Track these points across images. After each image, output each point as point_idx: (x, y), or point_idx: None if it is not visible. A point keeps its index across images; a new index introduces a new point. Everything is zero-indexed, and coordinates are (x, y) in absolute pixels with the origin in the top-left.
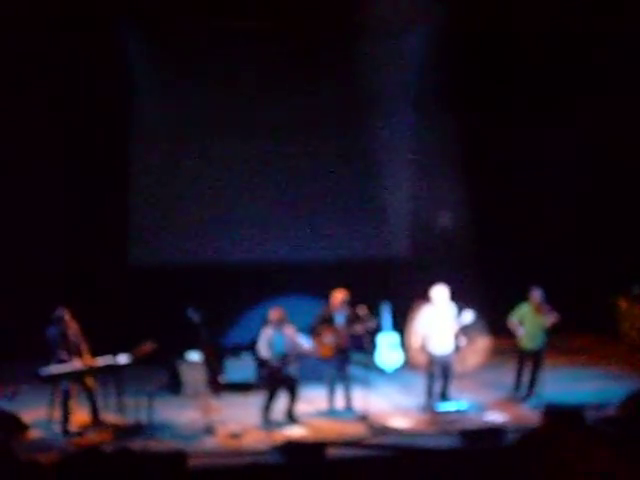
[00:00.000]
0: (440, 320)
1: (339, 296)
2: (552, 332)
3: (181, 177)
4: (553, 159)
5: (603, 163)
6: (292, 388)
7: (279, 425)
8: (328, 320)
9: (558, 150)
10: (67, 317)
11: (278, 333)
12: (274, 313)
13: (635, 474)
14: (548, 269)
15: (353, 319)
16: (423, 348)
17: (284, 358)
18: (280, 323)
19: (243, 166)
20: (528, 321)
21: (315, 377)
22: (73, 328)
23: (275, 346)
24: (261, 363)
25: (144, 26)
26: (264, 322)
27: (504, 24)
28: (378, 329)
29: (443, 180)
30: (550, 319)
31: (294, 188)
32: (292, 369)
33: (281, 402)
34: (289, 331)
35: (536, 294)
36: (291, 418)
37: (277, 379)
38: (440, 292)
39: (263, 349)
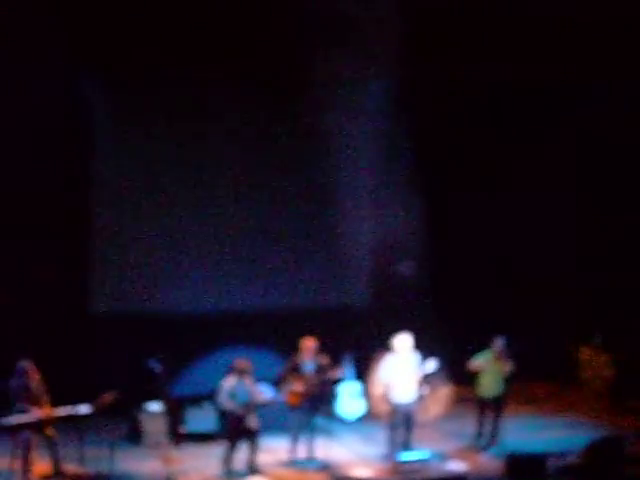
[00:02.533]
0: (403, 369)
1: (308, 344)
2: (513, 380)
3: (140, 229)
4: (517, 210)
5: (564, 215)
6: (253, 438)
7: (240, 475)
8: (296, 368)
9: (521, 203)
10: (30, 368)
11: (240, 383)
12: (240, 363)
13: None
14: (510, 318)
15: (320, 368)
16: (385, 397)
17: (247, 407)
18: (244, 373)
19: (201, 217)
20: (489, 369)
21: (277, 427)
22: (35, 379)
23: (238, 395)
24: (223, 413)
25: (106, 78)
26: (223, 372)
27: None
28: (340, 379)
29: (403, 228)
30: (508, 367)
31: (251, 238)
32: (253, 419)
33: (242, 452)
34: (249, 381)
35: (498, 342)
36: (252, 469)
37: (239, 429)
38: (403, 341)
39: (225, 399)
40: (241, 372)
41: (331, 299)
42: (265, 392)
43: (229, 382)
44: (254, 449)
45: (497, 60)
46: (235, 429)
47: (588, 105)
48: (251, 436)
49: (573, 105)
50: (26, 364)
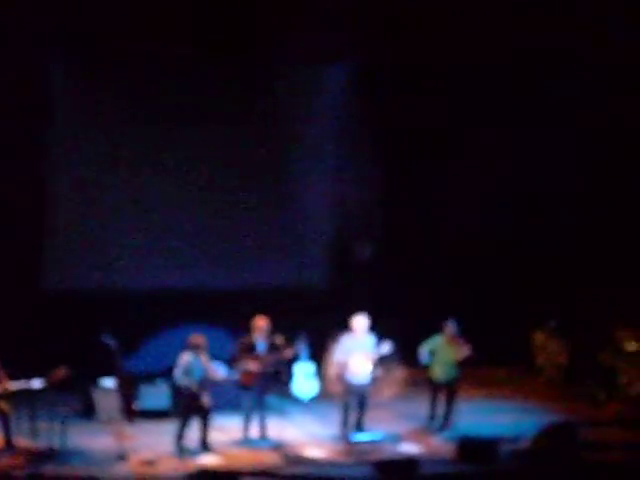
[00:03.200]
0: (358, 350)
1: (261, 323)
2: (468, 364)
3: (97, 203)
4: (477, 190)
5: (526, 191)
6: (205, 416)
7: (193, 453)
8: (249, 348)
9: (484, 180)
10: None
11: (196, 359)
12: (196, 339)
13: None
14: (466, 301)
15: (272, 347)
16: (340, 377)
17: (202, 384)
18: (199, 349)
19: (160, 193)
20: (440, 353)
21: (230, 405)
22: None
23: (194, 372)
24: (177, 390)
25: (70, 48)
26: (177, 349)
27: (426, 55)
28: (294, 359)
29: (362, 209)
30: (462, 352)
31: (211, 215)
32: (206, 397)
33: (194, 430)
34: (204, 358)
35: (450, 327)
36: (205, 446)
37: (192, 406)
38: (360, 322)
39: (180, 375)
40: (197, 348)
41: (288, 279)
42: (220, 370)
43: (185, 358)
44: (206, 427)
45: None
46: (188, 406)
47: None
48: (203, 414)
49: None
50: None
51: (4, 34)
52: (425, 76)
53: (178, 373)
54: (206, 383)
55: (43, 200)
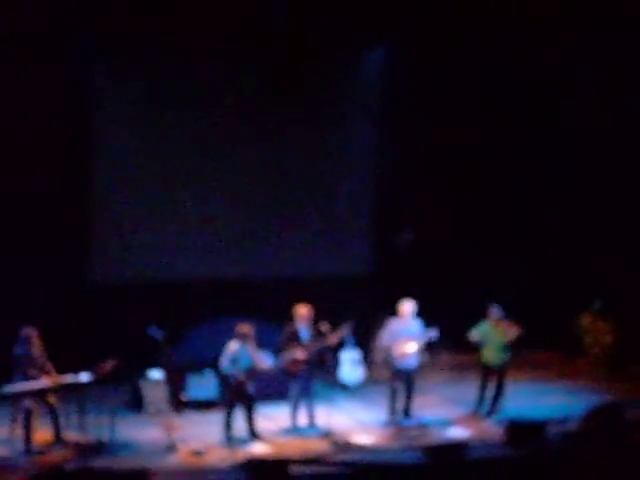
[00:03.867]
0: (404, 335)
1: (303, 311)
2: (515, 347)
3: (143, 198)
4: (520, 170)
5: (568, 173)
6: (250, 405)
7: (242, 442)
8: (294, 336)
9: (525, 161)
10: (33, 336)
11: (243, 348)
12: (243, 328)
13: None
14: (512, 285)
15: (317, 335)
16: (386, 363)
17: (248, 373)
18: (247, 338)
19: (204, 185)
20: (490, 338)
21: (277, 394)
22: (38, 347)
23: (241, 361)
24: (224, 378)
25: (108, 47)
26: (223, 340)
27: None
28: (340, 345)
29: (405, 195)
30: (512, 333)
31: (255, 207)
32: (251, 386)
33: (243, 419)
34: (252, 347)
35: (494, 311)
36: (253, 435)
37: (239, 394)
38: (406, 307)
39: (227, 364)
40: (244, 337)
41: (332, 266)
42: (266, 359)
43: (232, 347)
44: (252, 416)
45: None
46: (234, 394)
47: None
48: (248, 403)
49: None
50: (30, 331)
51: (40, 33)
52: (462, 56)
53: (225, 362)
54: (253, 372)
55: (90, 193)
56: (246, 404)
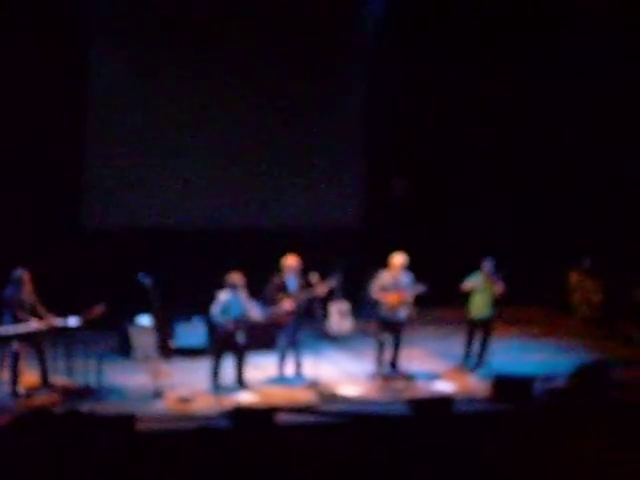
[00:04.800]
0: (394, 287)
1: (291, 262)
2: (502, 303)
3: (137, 141)
4: (515, 124)
5: (559, 130)
6: (240, 354)
7: (228, 391)
8: (281, 287)
9: (520, 116)
10: (25, 278)
11: (235, 297)
12: (234, 277)
13: None
14: (500, 241)
15: (305, 285)
16: (374, 313)
17: (238, 322)
18: (237, 288)
19: (196, 136)
20: (478, 291)
21: (264, 344)
22: (29, 290)
23: (231, 310)
24: (213, 327)
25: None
26: (212, 288)
27: None
28: (329, 296)
29: (398, 147)
30: (497, 289)
31: (247, 157)
32: (241, 335)
33: (230, 368)
34: (243, 296)
35: (487, 264)
36: (241, 384)
37: (228, 343)
38: (398, 259)
39: (218, 313)
40: (234, 287)
41: (324, 219)
42: (258, 311)
43: (223, 296)
44: (241, 365)
45: None
46: (223, 343)
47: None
48: (238, 351)
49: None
50: (22, 273)
51: None
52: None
53: (215, 310)
54: (243, 322)
55: (83, 138)
56: (236, 353)
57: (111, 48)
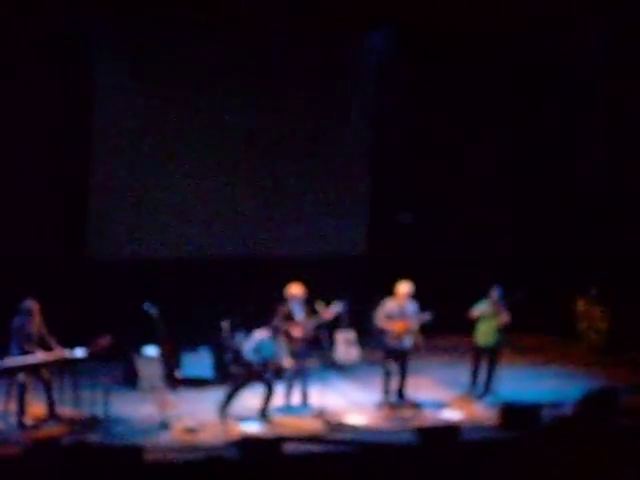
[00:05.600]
0: (399, 315)
1: (296, 290)
2: (509, 331)
3: (143, 172)
4: (517, 154)
5: (567, 156)
6: (270, 387)
7: (236, 420)
8: (288, 316)
9: (524, 146)
10: (34, 309)
11: (270, 340)
12: (279, 323)
13: None
14: (508, 270)
15: (311, 313)
16: (380, 343)
17: (265, 365)
18: (279, 333)
19: (207, 165)
20: (485, 318)
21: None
22: (38, 320)
23: (264, 350)
24: (238, 359)
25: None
26: (219, 318)
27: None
28: (335, 323)
29: (403, 176)
30: (503, 318)
31: (251, 185)
32: (269, 375)
33: (241, 397)
34: (281, 343)
35: (495, 292)
36: (264, 415)
37: (252, 380)
38: (403, 288)
39: (250, 350)
40: (277, 332)
41: (331, 248)
42: (289, 360)
43: (261, 334)
44: (268, 397)
45: None
46: (246, 379)
47: None
48: (268, 384)
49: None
50: (31, 304)
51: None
52: (461, 42)
53: (248, 346)
54: (271, 365)
55: (89, 168)
56: (266, 385)
57: (117, 77)
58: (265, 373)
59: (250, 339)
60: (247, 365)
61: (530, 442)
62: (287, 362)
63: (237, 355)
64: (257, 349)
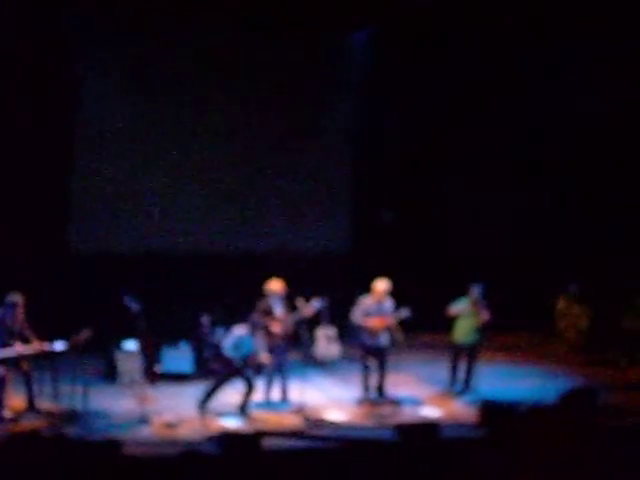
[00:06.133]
0: (377, 313)
1: (276, 286)
2: (488, 329)
3: (124, 166)
4: (502, 149)
5: (550, 154)
6: (250, 383)
7: (216, 415)
8: (268, 311)
9: (509, 140)
10: (19, 303)
11: (249, 337)
12: (258, 318)
13: None
14: (488, 268)
15: (291, 309)
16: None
17: (245, 362)
18: (257, 329)
19: (188, 160)
20: (464, 316)
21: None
22: (19, 314)
23: (243, 347)
24: (218, 355)
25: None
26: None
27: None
28: (315, 320)
29: (384, 174)
30: (483, 317)
31: (235, 181)
32: (248, 371)
33: (221, 393)
34: (260, 339)
35: (475, 290)
36: (243, 411)
37: (231, 376)
38: (380, 285)
39: (229, 346)
40: (255, 327)
41: (311, 245)
42: (268, 356)
43: (239, 331)
44: (248, 393)
45: None
46: (227, 375)
47: None
48: (248, 380)
49: None
50: (17, 297)
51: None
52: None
53: (227, 343)
54: (250, 362)
55: (71, 162)
56: (246, 381)
57: (101, 72)
58: (245, 369)
59: (229, 336)
60: (227, 361)
61: (506, 436)
62: (265, 358)
63: (217, 351)
64: (236, 345)
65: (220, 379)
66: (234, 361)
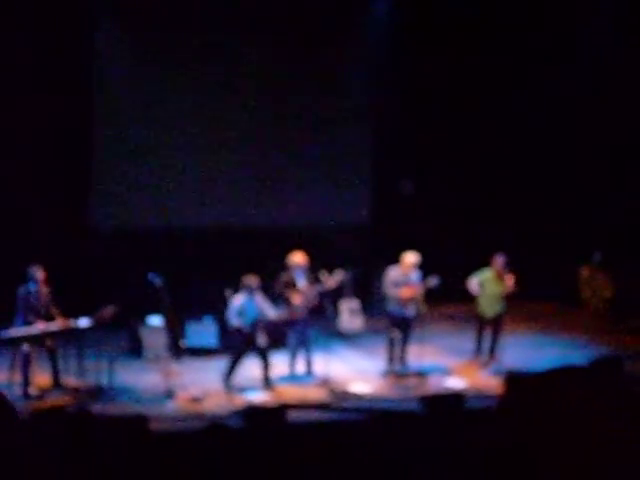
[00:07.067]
0: (404, 283)
1: (297, 259)
2: (513, 298)
3: (147, 140)
4: (524, 120)
5: (568, 126)
6: (264, 355)
7: (240, 390)
8: (291, 284)
9: (524, 118)
10: (40, 276)
11: (250, 300)
12: (249, 279)
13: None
14: (511, 237)
15: (313, 281)
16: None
17: (255, 325)
18: (253, 290)
19: (209, 133)
20: (488, 287)
21: (274, 342)
22: (44, 290)
23: (247, 312)
24: (230, 330)
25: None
26: (226, 286)
27: None
28: (339, 292)
29: (407, 143)
30: (508, 286)
31: (256, 154)
32: (261, 336)
33: (244, 368)
34: (259, 298)
35: (499, 260)
36: (267, 384)
37: (247, 347)
38: (410, 258)
39: (234, 317)
40: (250, 289)
41: (332, 215)
42: (273, 311)
43: (238, 299)
44: (267, 365)
45: None
46: (242, 346)
47: None
48: (261, 353)
49: None
50: (38, 271)
51: None
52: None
53: (231, 314)
54: (260, 323)
55: (92, 137)
56: (259, 354)
57: (118, 47)
58: (256, 335)
59: (230, 306)
60: (238, 332)
61: (529, 397)
62: (271, 314)
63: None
64: (240, 313)
65: (236, 353)
66: (243, 329)
